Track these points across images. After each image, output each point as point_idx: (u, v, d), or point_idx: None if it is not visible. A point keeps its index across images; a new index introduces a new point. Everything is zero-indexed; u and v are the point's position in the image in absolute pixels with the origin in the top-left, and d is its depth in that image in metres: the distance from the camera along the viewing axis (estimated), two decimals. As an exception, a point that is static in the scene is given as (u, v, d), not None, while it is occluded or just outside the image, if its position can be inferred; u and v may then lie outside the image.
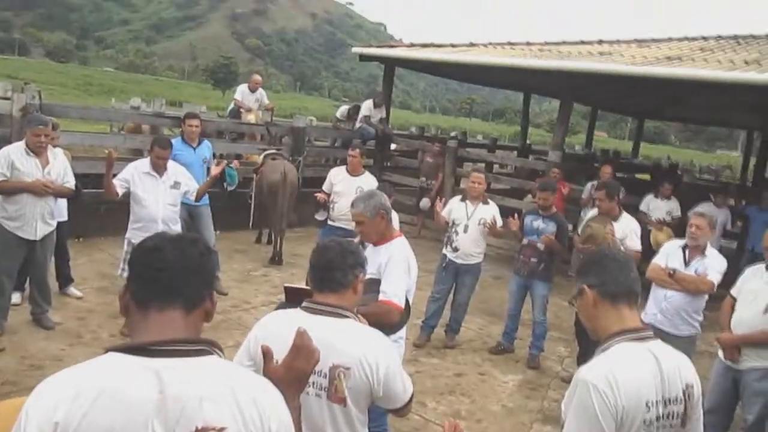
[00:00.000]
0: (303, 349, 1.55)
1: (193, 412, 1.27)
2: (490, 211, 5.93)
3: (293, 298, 2.75)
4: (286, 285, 2.87)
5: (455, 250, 5.92)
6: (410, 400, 2.25)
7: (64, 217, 5.83)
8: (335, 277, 2.17)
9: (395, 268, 3.22)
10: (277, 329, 1.96)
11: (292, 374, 1.53)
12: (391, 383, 2.14)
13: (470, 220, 5.88)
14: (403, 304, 3.17)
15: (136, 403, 1.25)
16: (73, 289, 6.18)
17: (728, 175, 28.19)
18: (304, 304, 2.17)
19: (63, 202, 5.68)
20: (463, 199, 6.04)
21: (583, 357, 5.48)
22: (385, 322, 2.39)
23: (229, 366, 1.41)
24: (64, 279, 6.17)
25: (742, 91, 9.01)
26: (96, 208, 7.54)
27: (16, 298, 5.57)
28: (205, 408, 1.28)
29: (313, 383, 2.06)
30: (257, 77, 11.38)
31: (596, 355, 1.91)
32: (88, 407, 1.23)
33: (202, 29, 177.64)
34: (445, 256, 6.01)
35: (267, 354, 1.54)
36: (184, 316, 1.38)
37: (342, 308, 2.16)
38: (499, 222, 5.93)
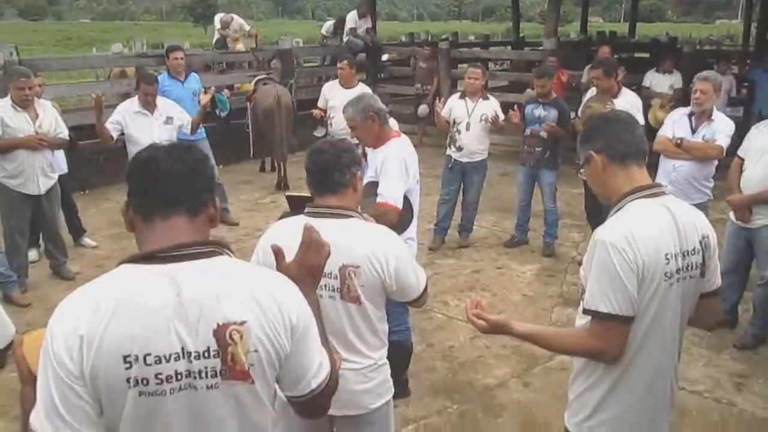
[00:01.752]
0: (312, 243, 1.55)
1: (212, 310, 1.29)
2: (490, 106, 5.81)
3: (296, 206, 2.75)
4: (287, 194, 2.88)
5: (459, 149, 5.85)
6: (425, 291, 2.28)
7: (65, 170, 5.80)
8: (333, 178, 2.15)
9: (390, 168, 3.18)
10: (284, 236, 1.95)
11: (304, 269, 1.54)
12: (402, 275, 2.15)
13: (471, 117, 5.77)
14: (399, 204, 3.16)
15: (154, 308, 1.27)
16: (87, 239, 6.23)
17: (730, 44, 27.45)
18: (306, 209, 2.16)
19: (61, 154, 5.64)
20: (462, 97, 5.92)
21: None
22: (383, 223, 2.39)
23: (242, 264, 1.42)
24: (76, 230, 6.22)
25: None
26: (95, 159, 7.50)
27: (33, 255, 5.64)
28: (224, 305, 1.30)
29: (325, 285, 2.08)
30: (225, 17, 11.07)
31: (610, 215, 1.90)
32: (108, 318, 1.25)
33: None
34: (449, 156, 5.95)
35: (278, 253, 1.55)
36: (189, 221, 1.38)
37: (344, 208, 2.15)
38: (501, 116, 5.83)
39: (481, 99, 5.82)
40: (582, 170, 2.04)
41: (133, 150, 5.33)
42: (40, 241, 5.71)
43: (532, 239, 6.18)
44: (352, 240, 2.09)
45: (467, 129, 5.77)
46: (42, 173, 5.03)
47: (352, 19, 10.87)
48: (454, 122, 5.85)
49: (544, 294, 5.14)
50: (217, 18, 11.06)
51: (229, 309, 1.30)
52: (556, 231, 5.99)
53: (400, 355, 3.30)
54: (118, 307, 1.26)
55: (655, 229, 1.83)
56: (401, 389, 3.42)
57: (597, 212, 5.48)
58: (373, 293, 2.14)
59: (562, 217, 6.19)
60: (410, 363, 3.70)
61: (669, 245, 1.83)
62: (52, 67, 8.69)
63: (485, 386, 3.91)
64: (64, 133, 5.19)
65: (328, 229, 1.76)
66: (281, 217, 2.77)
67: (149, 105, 5.31)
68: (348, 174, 2.17)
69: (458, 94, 6.08)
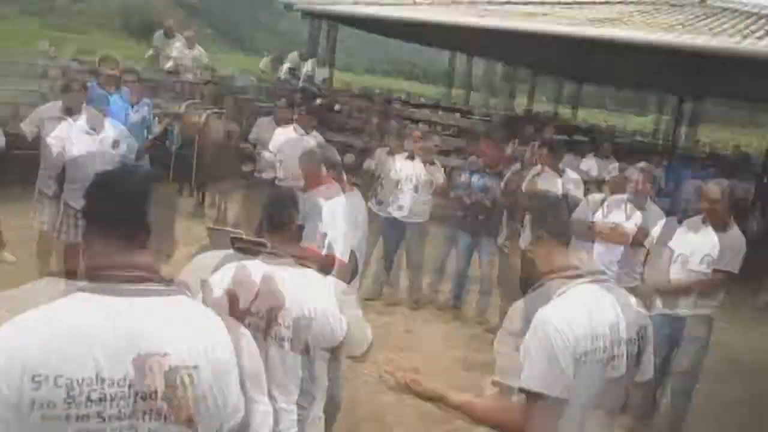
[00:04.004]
0: (269, 293, 1.56)
1: (136, 341, 1.27)
2: (437, 171, 5.99)
3: (218, 240, 2.73)
4: (209, 227, 2.86)
5: (400, 208, 5.93)
6: (370, 346, 2.29)
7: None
8: (278, 225, 2.20)
9: (340, 222, 3.23)
10: (220, 274, 1.95)
11: (257, 317, 1.53)
12: (353, 331, 2.17)
13: (421, 180, 5.91)
14: (346, 257, 3.18)
15: (99, 339, 1.24)
16: (6, 253, 5.91)
17: (648, 141, 29.10)
18: (259, 254, 2.12)
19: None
20: (410, 158, 6.03)
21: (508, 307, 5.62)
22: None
23: (197, 305, 1.40)
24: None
25: (662, 55, 9.21)
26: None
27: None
28: (147, 336, 1.27)
29: (275, 334, 2.05)
30: (167, 21, 10.99)
31: (552, 297, 1.92)
32: (55, 345, 1.22)
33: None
34: (389, 213, 6.00)
35: (233, 299, 1.54)
36: (147, 251, 1.38)
37: (302, 258, 2.17)
38: (444, 179, 6.02)
39: (428, 163, 5.97)
40: (506, 245, 2.14)
41: (71, 169, 5.03)
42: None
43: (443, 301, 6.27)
44: (308, 291, 2.08)
45: (415, 191, 5.88)
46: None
47: (293, 60, 11.04)
48: (398, 182, 5.92)
49: (448, 357, 5.18)
50: (158, 33, 10.86)
51: (152, 340, 1.28)
52: (461, 292, 6.15)
53: (330, 409, 3.25)
54: (66, 335, 1.23)
55: (595, 316, 1.88)
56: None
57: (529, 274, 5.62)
58: (321, 345, 2.13)
59: (473, 282, 6.27)
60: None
61: (607, 332, 1.89)
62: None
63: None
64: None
65: (285, 277, 1.75)
66: (201, 250, 2.73)
67: (96, 126, 5.09)
68: (292, 223, 2.25)
69: (406, 153, 6.16)
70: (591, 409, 1.91)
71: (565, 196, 5.08)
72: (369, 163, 10.04)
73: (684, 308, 4.25)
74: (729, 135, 24.72)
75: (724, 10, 10.47)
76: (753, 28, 8.94)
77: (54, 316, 1.26)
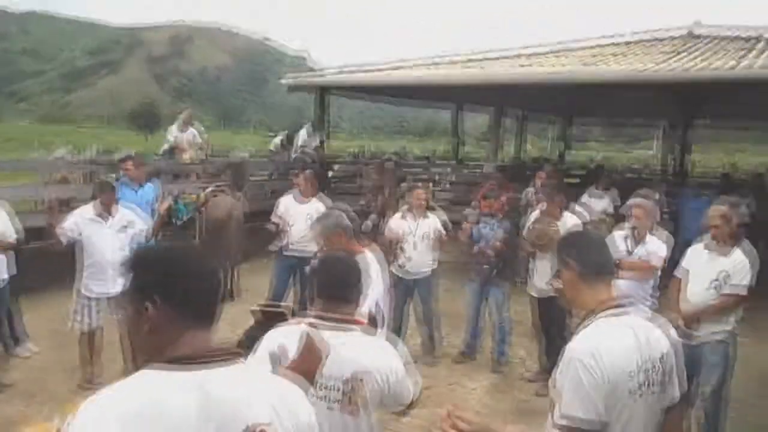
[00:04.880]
0: (310, 351, 1.63)
1: (239, 413, 1.33)
2: (433, 224, 6.05)
3: (267, 319, 2.80)
4: (252, 308, 2.92)
5: (402, 266, 6.00)
6: (414, 401, 2.35)
7: (13, 272, 5.60)
8: (348, 291, 2.26)
9: None
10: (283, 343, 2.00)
11: (300, 373, 1.62)
12: (400, 388, 2.24)
13: (417, 235, 5.98)
14: (364, 318, 3.24)
15: (182, 412, 1.28)
16: (19, 348, 5.93)
17: (648, 173, 29.42)
18: (310, 320, 2.18)
19: (7, 257, 5.48)
20: (404, 217, 6.13)
21: (550, 349, 5.63)
22: None
23: (256, 369, 1.50)
24: (16, 338, 5.93)
25: (655, 87, 9.47)
26: (36, 262, 7.24)
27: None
28: (249, 408, 1.34)
29: (326, 396, 2.11)
30: (184, 114, 11.38)
31: (578, 331, 2.04)
32: (137, 423, 1.24)
33: (119, 75, 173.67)
34: (392, 273, 6.04)
35: (276, 360, 1.61)
36: (212, 330, 1.45)
37: (348, 321, 2.22)
38: (443, 231, 6.06)
39: (422, 217, 6.05)
40: (557, 277, 2.19)
41: (83, 257, 5.20)
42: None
43: (479, 355, 6.26)
44: (360, 352, 2.16)
45: (414, 248, 5.95)
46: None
47: (302, 136, 11.28)
48: (397, 241, 6.01)
49: (496, 410, 5.16)
50: (173, 127, 11.21)
51: (253, 412, 1.35)
52: (505, 347, 6.10)
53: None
54: (146, 412, 1.26)
55: (619, 348, 1.96)
56: None
57: (550, 322, 5.63)
58: (371, 403, 2.19)
59: (509, 332, 6.32)
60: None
61: (632, 363, 1.96)
62: (6, 168, 8.64)
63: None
64: (13, 236, 5.10)
65: (337, 341, 1.84)
66: (248, 332, 2.81)
67: (104, 213, 5.26)
68: (360, 287, 2.32)
69: (400, 213, 6.26)
70: None
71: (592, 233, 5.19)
72: (366, 226, 10.26)
73: (700, 334, 4.27)
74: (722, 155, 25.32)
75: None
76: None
77: (141, 395, 1.29)
